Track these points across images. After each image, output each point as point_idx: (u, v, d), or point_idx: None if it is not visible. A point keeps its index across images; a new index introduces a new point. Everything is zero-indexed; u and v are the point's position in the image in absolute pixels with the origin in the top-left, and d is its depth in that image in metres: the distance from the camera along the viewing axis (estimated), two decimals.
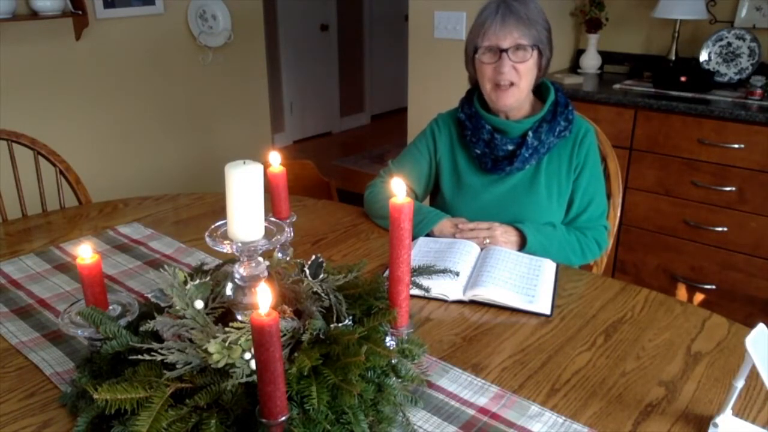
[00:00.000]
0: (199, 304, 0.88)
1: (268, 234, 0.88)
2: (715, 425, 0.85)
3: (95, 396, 0.75)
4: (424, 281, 1.08)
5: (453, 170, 1.55)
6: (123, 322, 0.94)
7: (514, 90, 1.40)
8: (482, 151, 1.47)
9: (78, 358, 0.98)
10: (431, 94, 2.98)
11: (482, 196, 1.50)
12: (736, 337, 1.08)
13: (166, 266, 0.94)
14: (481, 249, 1.36)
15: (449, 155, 1.56)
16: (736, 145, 2.32)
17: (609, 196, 1.63)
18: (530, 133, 1.43)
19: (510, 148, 1.45)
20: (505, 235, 1.40)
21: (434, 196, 1.65)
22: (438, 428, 0.86)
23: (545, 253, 1.37)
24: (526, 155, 1.43)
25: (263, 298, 0.67)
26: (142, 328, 0.88)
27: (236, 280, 0.89)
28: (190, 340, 0.84)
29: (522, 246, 1.39)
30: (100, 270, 0.94)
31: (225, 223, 0.87)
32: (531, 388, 0.95)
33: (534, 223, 1.43)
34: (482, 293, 1.17)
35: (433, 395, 0.92)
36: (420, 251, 1.34)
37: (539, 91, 1.51)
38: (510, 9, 1.37)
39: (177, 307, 0.87)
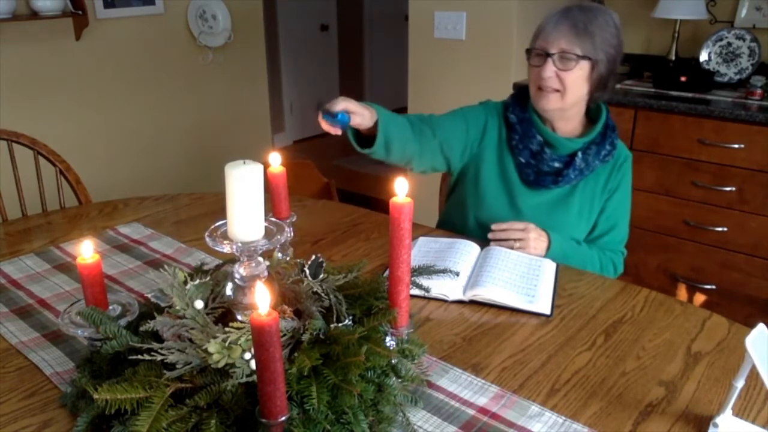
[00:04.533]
0: (199, 304, 0.88)
1: (268, 234, 0.88)
2: (715, 425, 0.85)
3: (95, 396, 0.75)
4: (424, 281, 1.08)
5: (497, 169, 1.48)
6: (123, 322, 0.94)
7: (557, 96, 1.36)
8: (527, 161, 1.43)
9: (78, 358, 0.99)
10: (431, 94, 2.98)
11: (515, 203, 1.46)
12: (736, 337, 1.08)
13: (166, 266, 0.94)
14: (481, 249, 1.36)
15: (495, 152, 1.48)
16: (736, 145, 2.32)
17: None
18: (580, 154, 1.39)
19: (557, 165, 1.41)
20: (537, 241, 1.37)
21: (457, 185, 1.58)
22: (438, 428, 0.86)
23: (565, 260, 1.36)
24: (572, 176, 1.40)
25: (263, 298, 0.67)
26: (142, 328, 0.89)
27: (236, 280, 0.89)
28: (190, 340, 0.84)
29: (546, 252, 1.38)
30: (100, 270, 0.94)
31: (225, 223, 0.87)
32: (531, 388, 0.95)
33: (561, 234, 1.41)
34: (482, 293, 1.17)
35: (433, 395, 0.92)
36: (420, 251, 1.34)
37: (588, 111, 1.46)
38: (567, 16, 1.33)
39: (177, 307, 0.87)
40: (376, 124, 1.32)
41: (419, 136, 1.42)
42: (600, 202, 1.47)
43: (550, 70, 1.34)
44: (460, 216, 1.54)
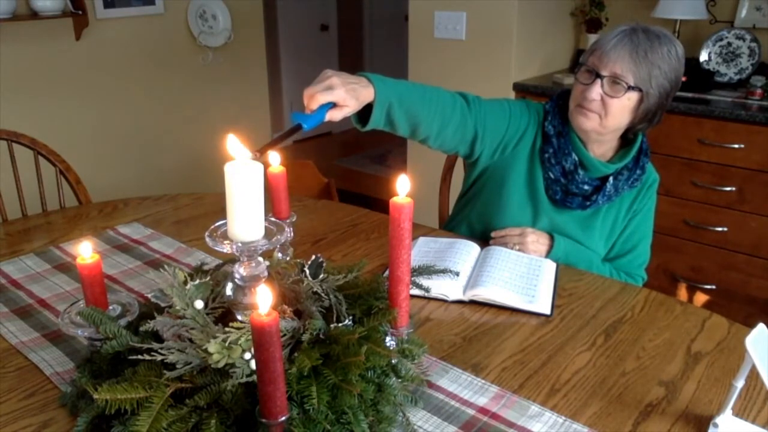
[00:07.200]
0: (199, 304, 0.88)
1: (268, 234, 0.88)
2: (715, 425, 0.85)
3: (95, 396, 0.75)
4: (424, 281, 1.08)
5: (525, 179, 1.41)
6: (123, 322, 0.94)
7: (596, 118, 1.28)
8: (557, 178, 1.37)
9: (78, 358, 0.99)
10: None
11: (539, 218, 1.42)
12: (736, 337, 1.08)
13: (166, 266, 0.94)
14: (482, 249, 1.36)
15: (527, 161, 1.41)
16: (736, 145, 2.32)
17: None
18: (611, 180, 1.34)
19: (586, 188, 1.36)
20: (535, 243, 1.36)
21: (476, 186, 1.49)
22: (438, 428, 0.86)
23: (569, 263, 1.35)
24: (600, 202, 1.36)
25: (263, 298, 0.67)
26: (142, 328, 0.88)
27: (236, 280, 0.89)
28: (190, 340, 0.84)
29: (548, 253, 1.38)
30: (100, 270, 0.94)
31: (225, 223, 0.87)
32: (531, 388, 0.95)
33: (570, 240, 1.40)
34: (482, 293, 1.17)
35: (433, 395, 0.92)
36: (420, 251, 1.34)
37: (624, 133, 1.37)
38: (630, 38, 1.23)
39: (177, 307, 0.87)
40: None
41: (447, 114, 1.29)
42: (623, 223, 1.43)
43: (596, 92, 1.25)
44: (479, 220, 1.48)
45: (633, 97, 1.25)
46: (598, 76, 1.25)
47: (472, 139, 1.37)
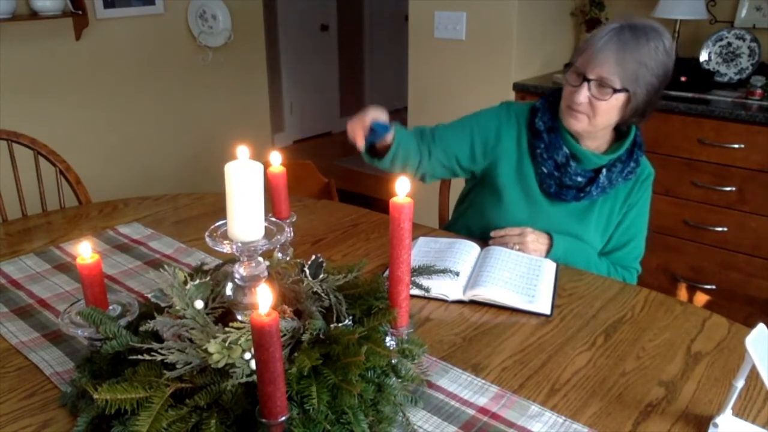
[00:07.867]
0: (199, 304, 0.88)
1: (268, 234, 0.88)
2: (715, 425, 0.85)
3: (95, 396, 0.75)
4: (424, 281, 1.08)
5: (515, 176, 1.43)
6: (123, 322, 0.94)
7: (585, 119, 1.30)
8: (550, 172, 1.38)
9: (78, 358, 0.98)
10: (431, 94, 2.98)
11: (534, 212, 1.43)
12: (736, 337, 1.08)
13: (166, 266, 0.94)
14: (482, 249, 1.36)
15: (514, 158, 1.43)
16: (736, 145, 2.32)
17: None
18: (604, 171, 1.36)
19: (580, 180, 1.37)
20: (535, 243, 1.37)
21: (472, 192, 1.55)
22: (438, 428, 0.86)
23: (568, 262, 1.36)
24: (594, 194, 1.38)
25: (263, 298, 0.67)
26: (142, 328, 0.89)
27: (236, 280, 0.89)
28: (190, 340, 0.84)
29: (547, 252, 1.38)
30: (100, 270, 0.94)
31: (225, 223, 0.87)
32: (531, 388, 0.95)
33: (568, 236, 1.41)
34: (482, 293, 1.17)
35: (433, 395, 0.92)
36: (420, 251, 1.34)
37: (617, 126, 1.39)
38: (617, 38, 1.24)
39: (177, 307, 0.87)
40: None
41: (421, 151, 1.44)
42: (618, 216, 1.44)
43: (583, 95, 1.27)
44: (478, 222, 1.50)
45: (620, 97, 1.27)
46: (585, 79, 1.27)
47: (444, 168, 1.48)
